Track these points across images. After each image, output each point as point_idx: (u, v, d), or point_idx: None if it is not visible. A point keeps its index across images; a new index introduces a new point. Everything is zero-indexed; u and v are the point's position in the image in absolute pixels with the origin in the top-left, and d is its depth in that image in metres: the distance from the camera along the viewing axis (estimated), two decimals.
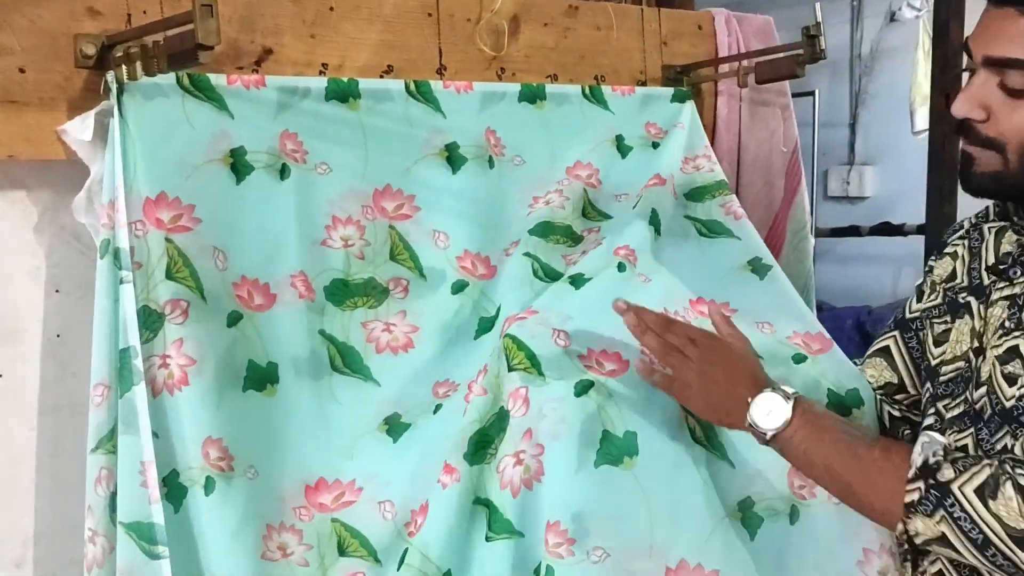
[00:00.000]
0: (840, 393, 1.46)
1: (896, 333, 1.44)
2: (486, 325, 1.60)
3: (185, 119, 1.40)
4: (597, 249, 1.67)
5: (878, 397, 1.44)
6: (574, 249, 1.71)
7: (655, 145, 1.87)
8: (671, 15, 2.00)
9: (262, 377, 1.43)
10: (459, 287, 1.62)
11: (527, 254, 1.65)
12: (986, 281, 1.26)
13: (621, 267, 1.62)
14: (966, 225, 1.37)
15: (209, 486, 1.33)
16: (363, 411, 1.51)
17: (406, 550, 1.39)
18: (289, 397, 1.45)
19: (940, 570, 1.23)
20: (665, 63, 1.95)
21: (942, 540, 1.08)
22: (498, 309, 1.61)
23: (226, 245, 1.43)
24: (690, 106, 1.92)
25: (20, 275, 1.39)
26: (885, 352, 1.45)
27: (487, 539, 1.37)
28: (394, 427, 1.51)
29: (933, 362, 1.32)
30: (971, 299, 1.27)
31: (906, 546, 1.23)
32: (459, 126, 1.65)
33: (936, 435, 1.16)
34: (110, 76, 1.31)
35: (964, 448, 1.21)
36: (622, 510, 1.37)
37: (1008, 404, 1.15)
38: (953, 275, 1.34)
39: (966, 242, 1.34)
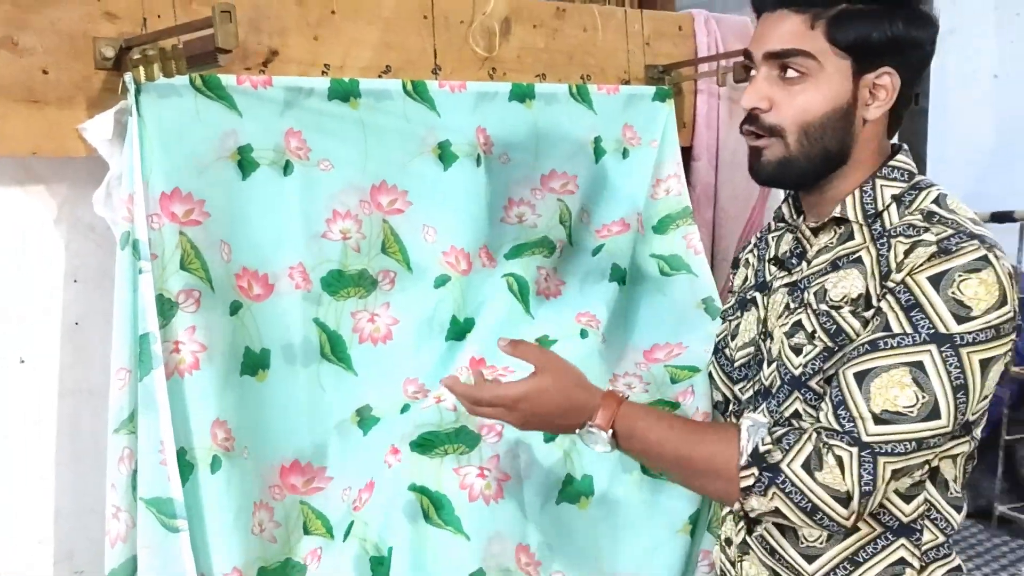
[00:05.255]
0: None
1: (713, 358, 1.56)
2: (456, 330, 1.72)
3: (198, 117, 1.47)
4: (558, 304, 1.85)
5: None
6: (548, 260, 1.86)
7: (625, 153, 1.97)
8: (653, 16, 2.09)
9: (255, 363, 1.52)
10: (441, 281, 1.72)
11: (505, 275, 1.79)
12: (768, 277, 1.40)
13: (584, 334, 1.78)
14: (753, 240, 1.53)
15: (216, 464, 1.42)
16: (341, 400, 1.62)
17: (352, 523, 1.55)
18: (277, 382, 1.55)
19: (767, 528, 1.35)
20: (648, 63, 2.04)
21: (775, 512, 1.21)
22: (468, 320, 1.73)
23: (231, 238, 1.51)
24: (669, 111, 2.01)
25: (40, 265, 1.47)
26: (709, 376, 1.59)
27: (427, 520, 1.52)
28: (365, 419, 1.62)
29: (731, 353, 1.48)
30: (756, 294, 1.42)
31: (741, 514, 1.37)
32: (453, 124, 1.73)
33: (757, 416, 1.28)
34: (128, 77, 1.38)
35: None
36: (578, 541, 1.63)
37: (796, 372, 1.29)
38: (745, 280, 1.50)
39: (756, 251, 1.49)
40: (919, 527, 1.27)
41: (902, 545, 1.26)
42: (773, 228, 1.47)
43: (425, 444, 1.56)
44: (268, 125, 1.55)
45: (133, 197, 1.38)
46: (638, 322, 1.90)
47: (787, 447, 1.20)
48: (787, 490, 1.18)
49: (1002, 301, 1.16)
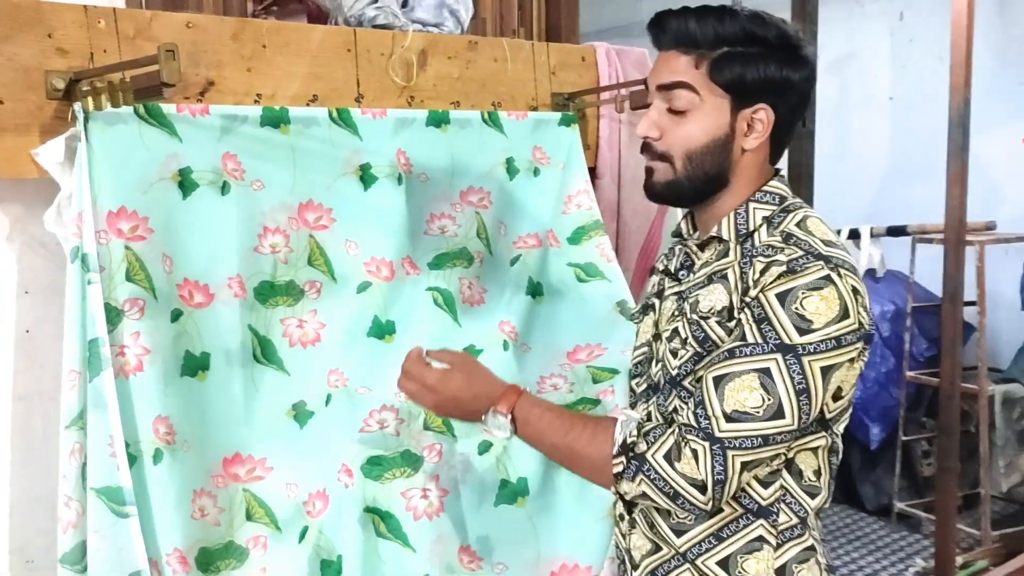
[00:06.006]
0: None
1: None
2: (377, 329, 1.89)
3: (141, 143, 1.62)
4: (482, 312, 2.03)
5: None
6: (468, 271, 2.04)
7: (536, 172, 2.16)
8: (559, 48, 2.28)
9: (195, 365, 1.68)
10: (363, 287, 1.89)
11: (429, 288, 1.96)
12: (665, 285, 1.58)
13: (505, 345, 1.98)
14: (666, 251, 1.68)
15: (158, 456, 1.57)
16: (277, 397, 1.78)
17: (306, 527, 1.73)
18: (216, 383, 1.70)
19: (643, 509, 1.53)
20: (554, 91, 2.23)
21: (644, 496, 1.40)
22: (389, 322, 1.90)
23: (173, 252, 1.66)
24: (574, 134, 2.21)
25: None
26: (629, 373, 1.73)
27: (378, 535, 1.73)
28: (300, 414, 1.80)
29: (632, 351, 1.65)
30: (655, 300, 1.59)
31: (621, 499, 1.57)
32: (374, 148, 1.90)
33: (632, 412, 1.48)
34: (77, 106, 1.53)
35: (649, 415, 1.52)
36: (517, 536, 1.84)
37: (673, 373, 1.47)
38: (652, 286, 1.65)
39: (664, 261, 1.63)
40: (775, 510, 1.45)
41: (760, 525, 1.45)
42: (676, 242, 1.64)
43: (375, 467, 1.74)
44: (206, 149, 1.70)
45: (82, 215, 1.52)
46: (560, 326, 2.08)
47: (652, 440, 1.39)
48: (651, 477, 1.37)
49: (843, 315, 1.34)
